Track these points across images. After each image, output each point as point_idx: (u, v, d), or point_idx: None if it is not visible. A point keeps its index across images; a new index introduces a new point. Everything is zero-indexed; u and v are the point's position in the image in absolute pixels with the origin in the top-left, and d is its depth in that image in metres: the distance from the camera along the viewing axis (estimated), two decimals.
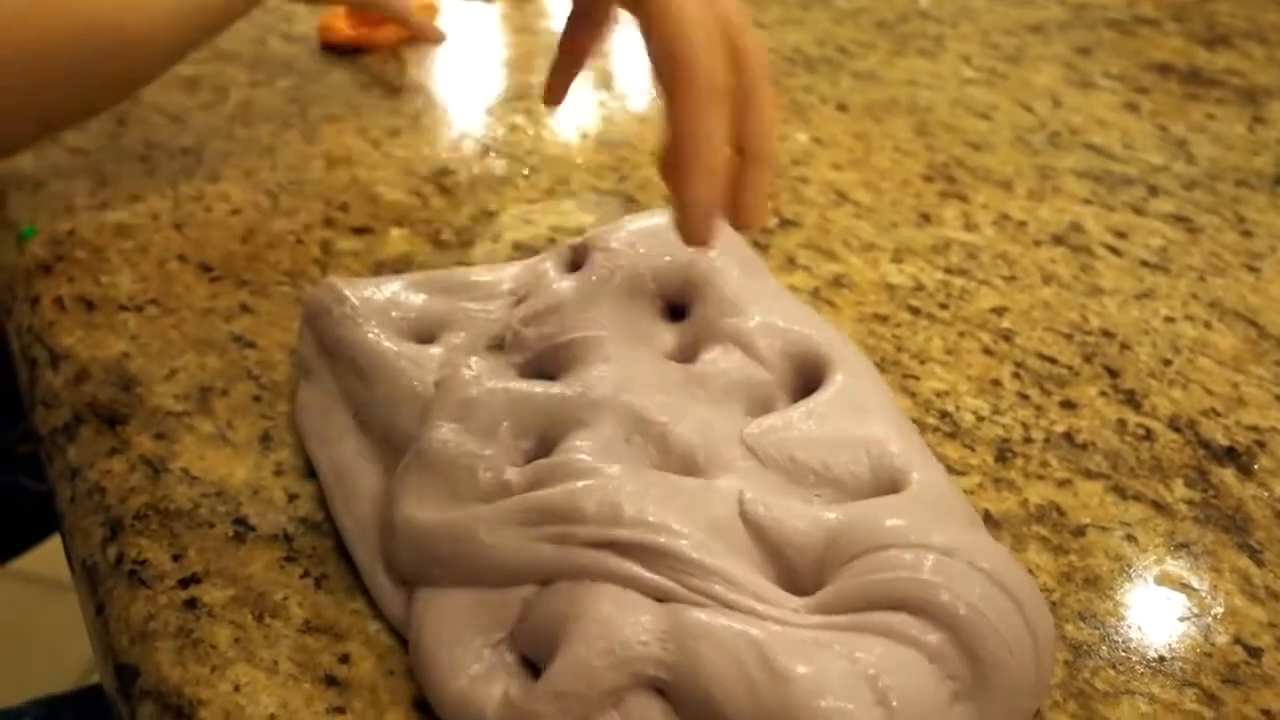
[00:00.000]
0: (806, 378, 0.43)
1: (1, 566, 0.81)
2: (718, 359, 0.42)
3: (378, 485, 0.40)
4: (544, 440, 0.39)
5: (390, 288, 0.46)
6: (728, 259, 0.46)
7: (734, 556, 0.35)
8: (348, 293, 0.45)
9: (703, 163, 0.36)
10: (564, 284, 0.44)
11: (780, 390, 0.42)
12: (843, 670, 0.31)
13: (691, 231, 0.38)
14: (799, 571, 0.36)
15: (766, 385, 0.42)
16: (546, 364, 0.42)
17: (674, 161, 0.37)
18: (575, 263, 0.46)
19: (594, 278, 0.44)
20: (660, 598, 0.34)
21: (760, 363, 0.42)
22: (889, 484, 0.39)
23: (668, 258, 0.45)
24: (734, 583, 0.34)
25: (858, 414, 0.40)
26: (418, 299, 0.45)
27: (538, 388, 0.40)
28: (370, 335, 0.43)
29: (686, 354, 0.43)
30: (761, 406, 0.41)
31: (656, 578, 0.34)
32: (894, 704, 0.31)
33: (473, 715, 0.33)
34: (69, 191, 0.58)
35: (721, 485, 0.37)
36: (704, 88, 0.35)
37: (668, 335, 0.44)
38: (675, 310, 0.46)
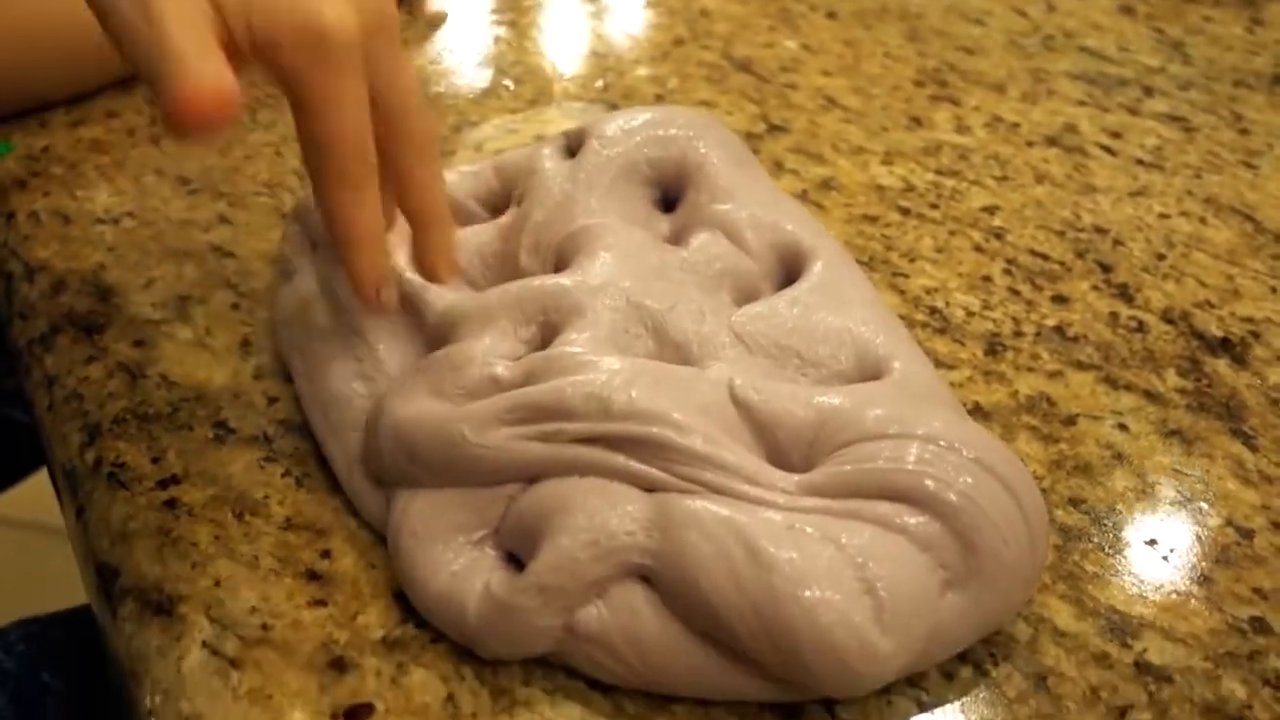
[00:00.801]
0: (789, 269, 0.42)
1: None
2: (707, 245, 0.41)
3: (357, 391, 0.40)
4: (546, 329, 0.39)
5: None
6: (723, 152, 0.45)
7: (725, 441, 0.34)
8: None
9: (354, 245, 0.36)
10: (561, 175, 0.43)
11: (764, 281, 0.42)
12: (830, 558, 0.31)
13: (366, 305, 0.38)
14: (789, 456, 0.35)
15: (751, 275, 0.41)
16: (558, 264, 0.42)
17: (333, 242, 0.37)
18: (571, 150, 0.45)
19: (591, 164, 0.43)
20: (650, 488, 0.33)
21: (746, 251, 0.41)
22: (872, 371, 0.38)
23: (663, 146, 0.44)
24: (725, 467, 0.33)
25: (839, 304, 0.40)
26: None
27: (535, 281, 0.39)
28: None
29: (677, 241, 0.43)
30: (746, 295, 0.41)
31: (645, 468, 0.33)
32: (881, 593, 0.31)
33: (454, 611, 0.33)
34: (42, 110, 0.57)
35: (711, 372, 0.37)
36: (344, 175, 0.34)
37: (662, 224, 0.44)
38: (668, 204, 0.45)
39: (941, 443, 0.33)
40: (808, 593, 0.30)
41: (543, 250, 0.42)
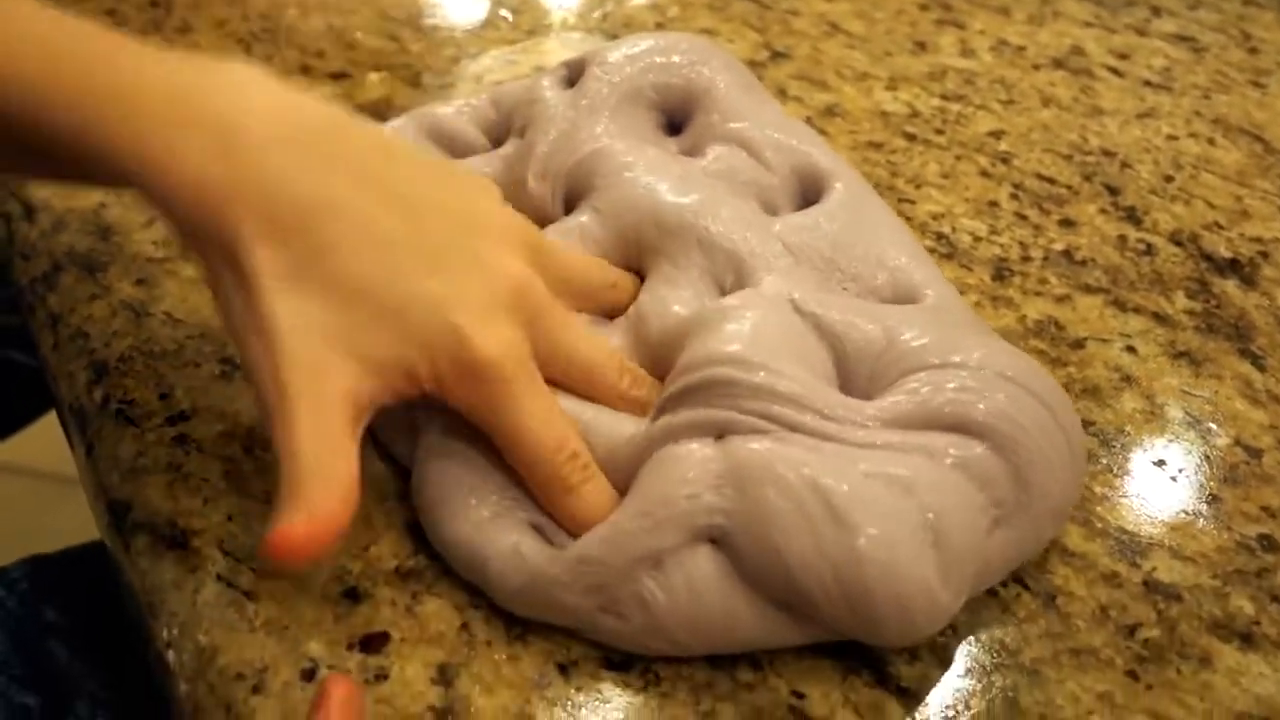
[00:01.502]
0: (807, 191, 0.41)
1: None
2: (725, 156, 0.41)
3: None
4: None
5: (387, 129, 0.44)
6: (731, 75, 0.44)
7: (789, 369, 0.33)
8: None
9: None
10: (563, 103, 0.43)
11: (785, 199, 0.41)
12: (906, 515, 0.30)
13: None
14: (857, 370, 0.35)
15: (774, 190, 0.41)
16: (569, 192, 0.41)
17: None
18: (571, 80, 0.45)
19: (593, 91, 0.43)
20: (720, 433, 0.32)
21: (766, 168, 0.41)
22: (906, 293, 0.38)
23: (667, 72, 0.44)
24: (794, 400, 0.32)
25: (867, 224, 0.40)
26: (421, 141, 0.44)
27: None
28: None
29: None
30: (769, 210, 0.40)
31: (711, 411, 0.32)
32: (945, 545, 0.30)
33: (475, 560, 0.32)
34: None
35: (767, 289, 0.36)
36: (561, 479, 0.33)
37: (670, 146, 0.43)
38: (673, 130, 0.44)
39: (997, 372, 0.33)
40: (887, 555, 0.30)
41: (551, 177, 0.41)
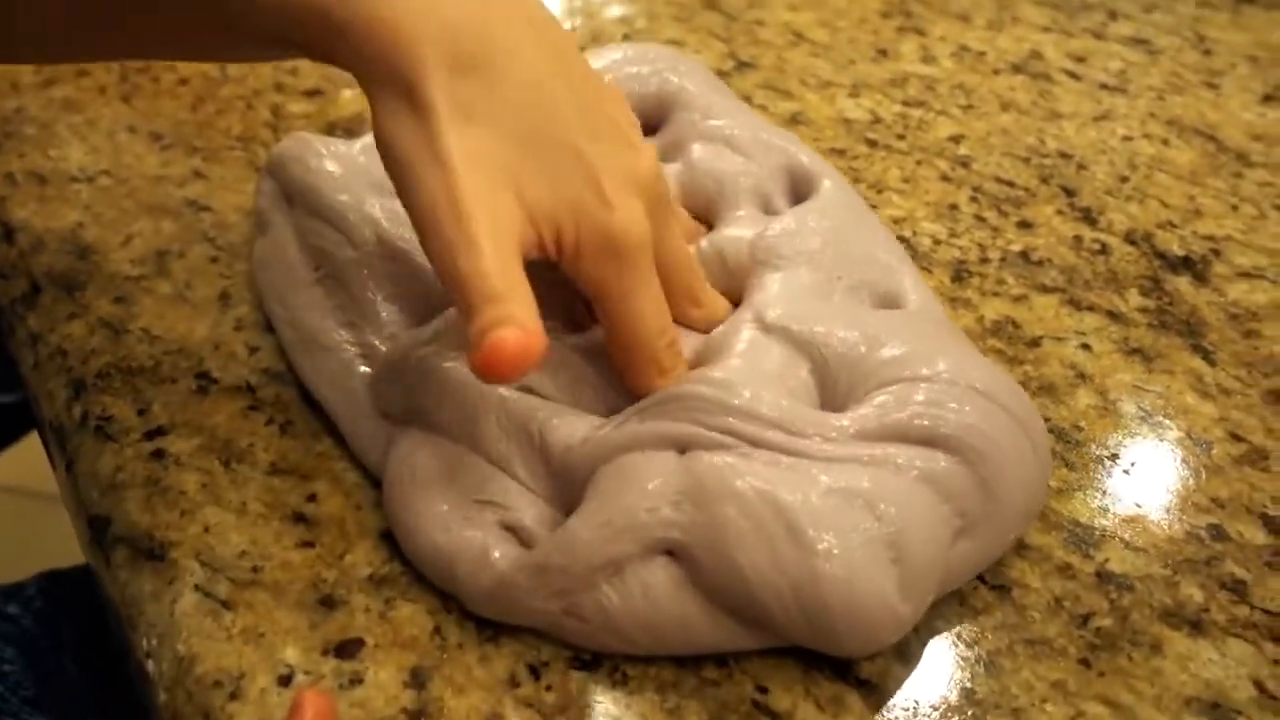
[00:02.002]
0: (796, 187, 0.43)
1: None
2: (711, 155, 0.42)
3: (344, 337, 0.40)
4: None
5: (360, 144, 0.45)
6: (702, 78, 0.45)
7: (758, 382, 0.34)
8: (321, 146, 0.44)
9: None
10: None
11: (779, 196, 0.42)
12: (866, 533, 0.31)
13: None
14: (836, 376, 0.36)
15: (767, 187, 0.42)
16: None
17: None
18: None
19: None
20: (683, 448, 0.33)
21: (755, 163, 0.42)
22: (891, 297, 0.39)
23: (639, 81, 0.45)
24: (757, 416, 0.33)
25: (857, 223, 0.41)
26: None
27: None
28: (346, 196, 0.42)
29: (666, 159, 0.43)
30: (766, 207, 0.41)
31: (674, 425, 0.33)
32: (907, 560, 0.31)
33: (442, 567, 0.33)
34: (13, 70, 0.57)
35: (750, 305, 0.38)
36: (656, 362, 0.35)
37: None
38: (649, 133, 0.45)
39: (967, 385, 0.34)
40: (846, 575, 0.30)
41: None
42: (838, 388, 0.36)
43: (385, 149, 0.32)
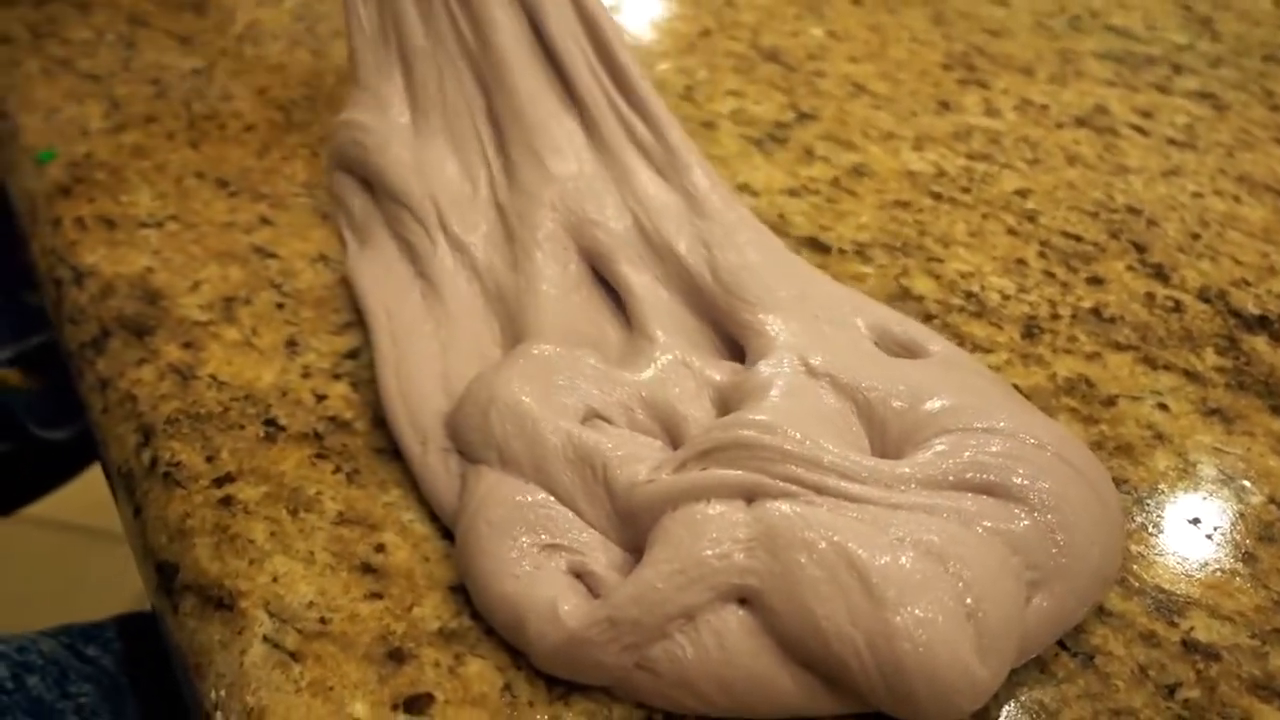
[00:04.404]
0: None
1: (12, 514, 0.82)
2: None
3: (435, 348, 0.41)
4: None
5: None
6: None
7: (816, 431, 0.34)
8: (367, 117, 0.47)
9: None
10: None
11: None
12: (939, 587, 0.30)
13: None
14: (886, 431, 0.35)
15: None
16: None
17: None
18: None
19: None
20: (750, 496, 0.32)
21: None
22: (913, 346, 0.39)
23: None
24: (819, 464, 0.32)
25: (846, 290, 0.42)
26: None
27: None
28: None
29: None
30: None
31: (740, 474, 0.33)
32: (981, 616, 0.30)
33: (512, 619, 0.33)
34: (83, 116, 0.58)
35: (784, 353, 0.38)
36: None
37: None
38: None
39: (1028, 439, 0.34)
40: (922, 634, 0.30)
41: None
42: (887, 437, 0.35)
43: None
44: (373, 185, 0.48)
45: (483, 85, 0.47)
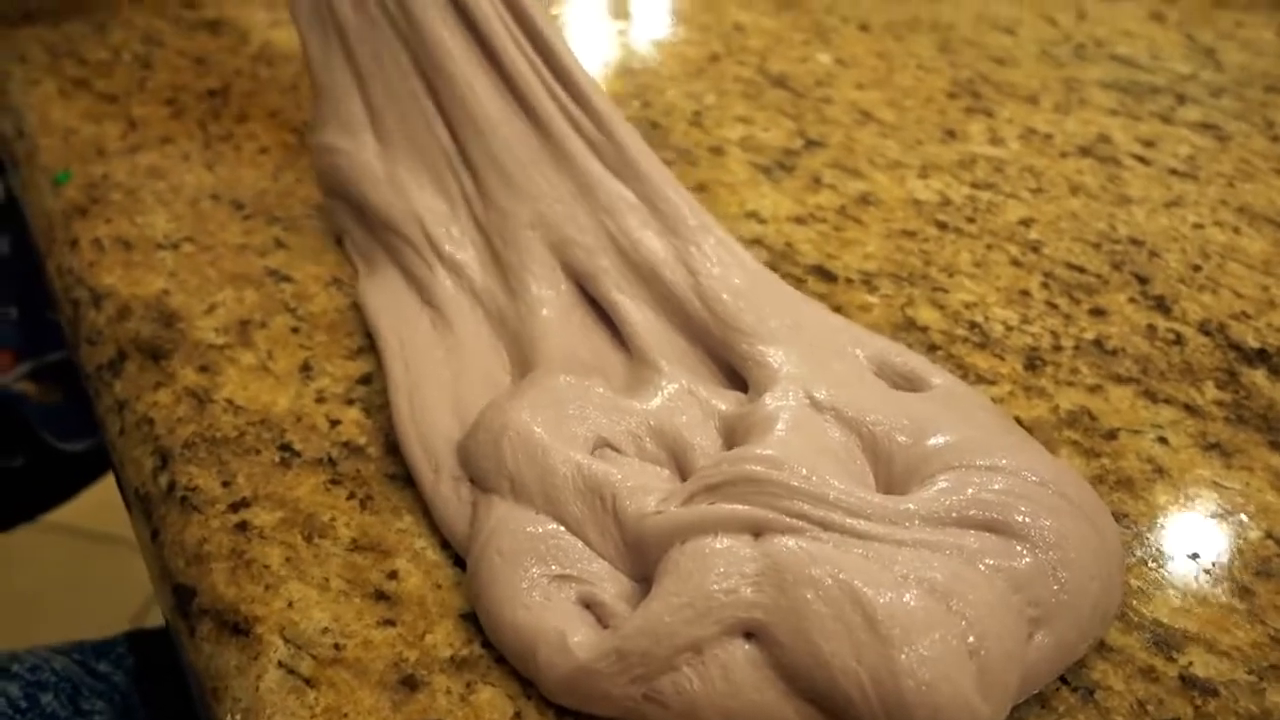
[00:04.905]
0: None
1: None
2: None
3: (447, 375, 0.42)
4: None
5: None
6: None
7: (822, 466, 0.34)
8: (338, 141, 0.48)
9: None
10: None
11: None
12: (943, 625, 0.31)
13: None
14: (890, 466, 0.36)
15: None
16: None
17: None
18: None
19: None
20: (757, 530, 0.33)
21: None
22: (906, 379, 0.40)
23: None
24: (824, 499, 0.33)
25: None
26: None
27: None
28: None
29: None
30: None
31: (748, 508, 0.33)
32: (983, 654, 0.31)
33: (523, 647, 0.33)
34: (100, 136, 0.58)
35: (787, 386, 0.38)
36: None
37: None
38: None
39: (1030, 476, 0.34)
40: (925, 671, 0.30)
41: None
42: (892, 472, 0.36)
43: None
44: (363, 211, 0.48)
45: (426, 81, 0.47)
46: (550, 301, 0.44)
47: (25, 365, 0.68)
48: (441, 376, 0.42)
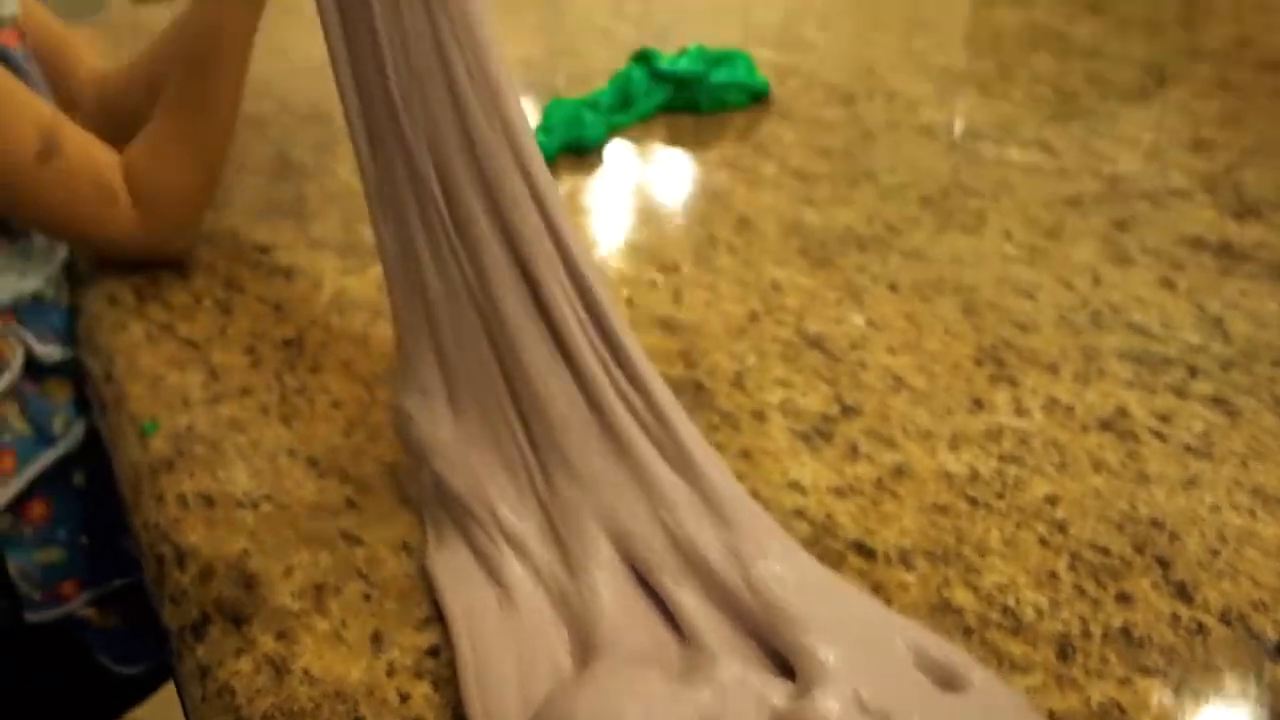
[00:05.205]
0: None
1: None
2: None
3: (512, 655, 0.45)
4: None
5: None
6: None
7: None
8: (416, 409, 0.52)
9: None
10: None
11: None
12: None
13: None
14: None
15: None
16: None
17: None
18: None
19: None
20: None
21: None
22: (950, 676, 0.43)
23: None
24: None
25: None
26: None
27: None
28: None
29: None
30: None
31: None
32: None
33: None
34: (185, 385, 0.63)
35: (834, 692, 0.41)
36: None
37: None
38: None
39: None
40: None
41: None
42: None
43: None
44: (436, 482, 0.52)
45: (500, 361, 0.51)
46: (609, 584, 0.47)
47: (89, 593, 0.71)
48: (507, 656, 0.45)
